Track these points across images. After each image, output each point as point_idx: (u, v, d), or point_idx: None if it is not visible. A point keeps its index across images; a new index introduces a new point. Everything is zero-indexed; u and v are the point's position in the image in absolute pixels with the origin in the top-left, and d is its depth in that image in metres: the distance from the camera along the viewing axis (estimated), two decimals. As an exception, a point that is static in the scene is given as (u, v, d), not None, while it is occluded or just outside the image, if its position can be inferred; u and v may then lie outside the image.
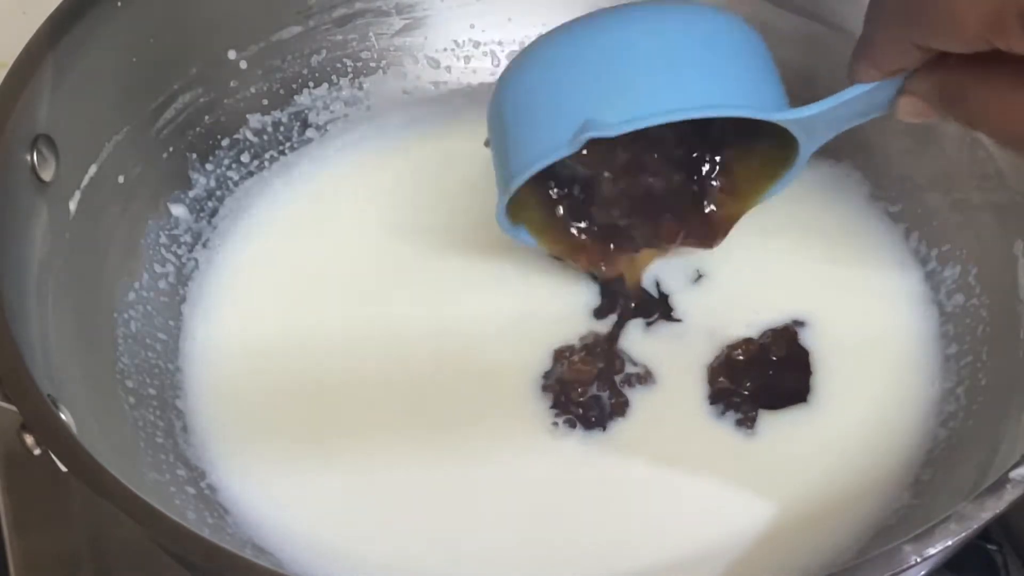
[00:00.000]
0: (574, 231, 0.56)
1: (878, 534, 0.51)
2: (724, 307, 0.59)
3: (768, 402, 0.56)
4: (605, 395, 0.56)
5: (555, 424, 0.55)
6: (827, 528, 0.52)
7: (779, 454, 0.54)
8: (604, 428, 0.55)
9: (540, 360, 0.57)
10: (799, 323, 0.58)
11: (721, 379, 0.56)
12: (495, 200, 0.64)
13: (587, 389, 0.56)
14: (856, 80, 0.46)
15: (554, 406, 0.56)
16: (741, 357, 0.57)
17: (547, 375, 0.57)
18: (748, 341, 0.57)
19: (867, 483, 0.53)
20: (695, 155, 0.55)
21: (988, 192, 0.59)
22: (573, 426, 0.55)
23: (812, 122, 0.49)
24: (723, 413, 0.55)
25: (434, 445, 0.55)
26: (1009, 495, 0.41)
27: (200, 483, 0.54)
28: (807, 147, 0.52)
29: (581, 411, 0.55)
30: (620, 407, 0.55)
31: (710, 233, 0.56)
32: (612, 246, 0.57)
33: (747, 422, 0.55)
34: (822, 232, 0.63)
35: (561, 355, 0.57)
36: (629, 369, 0.57)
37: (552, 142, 0.50)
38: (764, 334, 0.58)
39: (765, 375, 0.57)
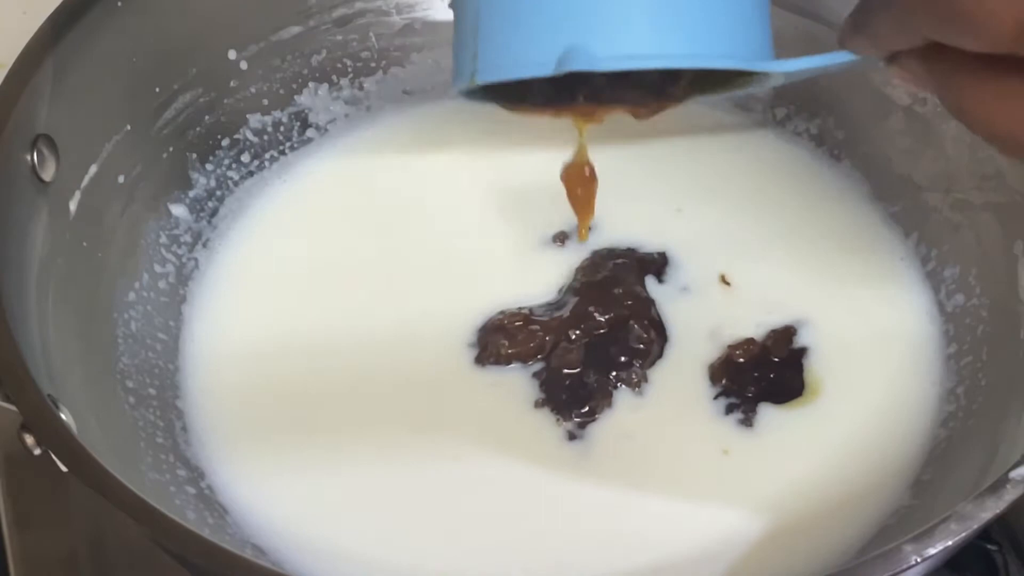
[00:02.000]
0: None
1: (878, 534, 0.51)
2: (725, 307, 0.59)
3: (768, 400, 0.56)
4: (592, 381, 0.56)
5: (536, 404, 0.56)
6: (827, 528, 0.51)
7: (779, 454, 0.54)
8: (581, 417, 0.55)
9: (536, 361, 0.57)
10: (800, 323, 0.58)
11: (723, 379, 0.56)
12: (496, 200, 0.65)
13: (577, 375, 0.56)
14: (847, 48, 0.42)
15: (546, 399, 0.56)
16: (742, 358, 0.57)
17: (540, 371, 0.57)
18: (749, 341, 0.57)
19: (867, 483, 0.53)
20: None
21: (988, 192, 0.59)
22: (554, 411, 0.55)
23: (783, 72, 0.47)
24: (724, 413, 0.55)
25: (434, 446, 0.55)
26: (1009, 495, 0.41)
27: (200, 483, 0.54)
28: (778, 81, 0.49)
29: (564, 397, 0.56)
30: (604, 397, 0.56)
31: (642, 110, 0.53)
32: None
33: (748, 422, 0.55)
34: (822, 232, 0.63)
35: (556, 344, 0.57)
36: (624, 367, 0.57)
37: (530, 57, 0.46)
38: (766, 335, 0.58)
39: (766, 376, 0.56)
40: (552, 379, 0.56)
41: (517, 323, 0.58)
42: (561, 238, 0.63)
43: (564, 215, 0.63)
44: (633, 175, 0.64)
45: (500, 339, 0.57)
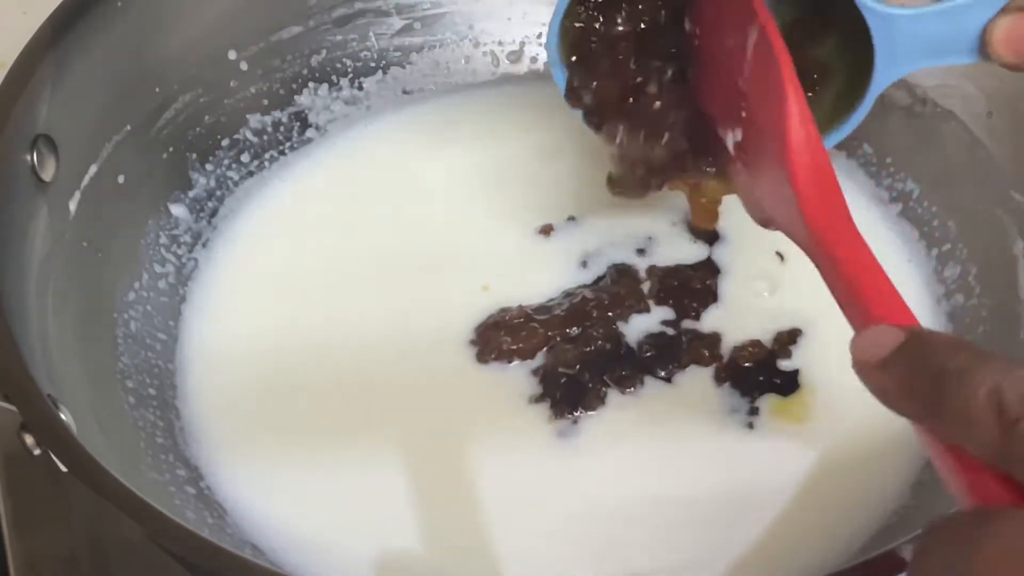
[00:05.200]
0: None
1: (878, 534, 0.51)
2: (727, 309, 0.59)
3: (772, 391, 0.56)
4: (586, 380, 0.56)
5: (530, 400, 0.56)
6: (828, 528, 0.51)
7: (780, 454, 0.54)
8: (573, 414, 0.55)
9: (536, 358, 0.57)
10: (805, 325, 0.58)
11: (727, 381, 0.56)
12: (496, 200, 0.65)
13: (573, 374, 0.56)
14: None
15: (541, 395, 0.56)
16: (747, 361, 0.57)
17: (538, 368, 0.57)
18: (755, 344, 0.57)
19: (867, 483, 0.53)
20: None
21: (988, 192, 0.59)
22: (549, 408, 0.55)
23: (896, 36, 0.47)
24: (728, 413, 0.55)
25: (433, 446, 0.55)
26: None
27: (200, 483, 0.54)
28: (883, 75, 0.49)
29: (559, 395, 0.56)
30: (597, 397, 0.56)
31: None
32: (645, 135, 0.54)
33: (749, 424, 0.55)
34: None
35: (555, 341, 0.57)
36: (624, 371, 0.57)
37: None
38: (772, 338, 0.58)
39: (770, 380, 0.56)
40: (549, 377, 0.56)
41: (518, 320, 0.58)
42: (546, 230, 0.63)
43: (560, 210, 0.64)
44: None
45: (501, 335, 0.57)
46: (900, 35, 0.47)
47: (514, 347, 0.57)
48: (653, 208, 0.63)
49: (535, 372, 0.57)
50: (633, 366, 0.57)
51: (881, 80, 0.49)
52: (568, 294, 0.59)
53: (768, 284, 0.60)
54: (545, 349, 0.57)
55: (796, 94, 0.44)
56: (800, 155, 0.43)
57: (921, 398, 0.33)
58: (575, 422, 0.55)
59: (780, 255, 0.61)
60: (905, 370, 0.34)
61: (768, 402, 0.56)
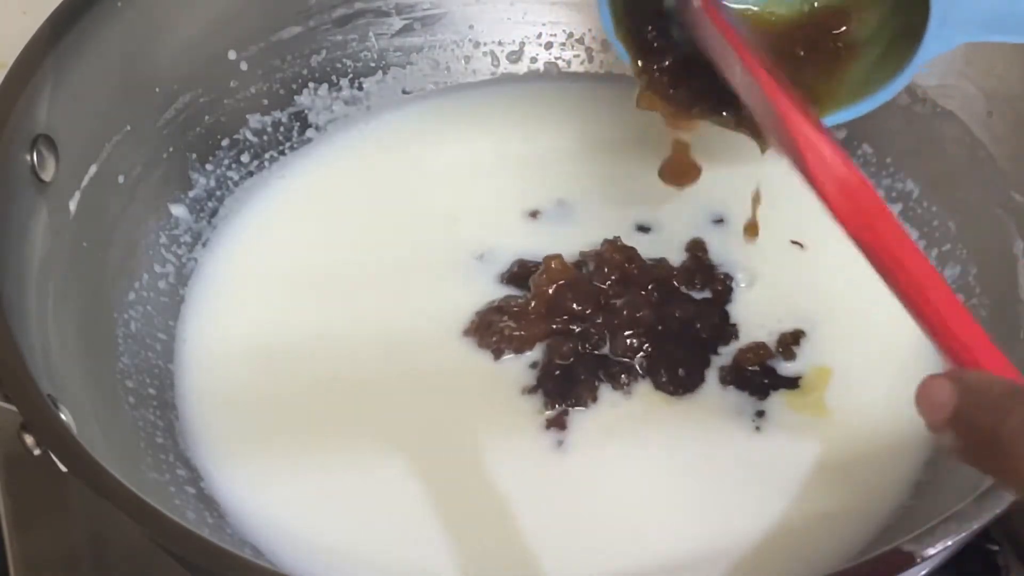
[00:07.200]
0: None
1: (878, 534, 0.51)
2: (732, 312, 0.59)
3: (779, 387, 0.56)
4: (580, 374, 0.56)
5: (523, 391, 0.56)
6: (828, 528, 0.52)
7: (782, 455, 0.54)
8: (564, 407, 0.55)
9: (535, 356, 0.57)
10: (808, 326, 0.58)
11: (730, 381, 0.56)
12: (498, 201, 0.65)
13: (568, 367, 0.56)
14: None
15: (535, 387, 0.56)
16: (752, 364, 0.57)
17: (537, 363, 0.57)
18: (760, 346, 0.57)
19: (868, 483, 0.53)
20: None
21: (988, 192, 0.59)
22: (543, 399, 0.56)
23: (954, 7, 0.47)
24: (732, 414, 0.55)
25: (431, 446, 0.55)
26: (1009, 495, 0.41)
27: (200, 483, 0.54)
28: (933, 44, 0.48)
29: (550, 386, 0.56)
30: (588, 391, 0.56)
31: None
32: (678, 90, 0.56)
33: (754, 424, 0.55)
34: (827, 235, 0.63)
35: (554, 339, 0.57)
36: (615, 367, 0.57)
37: None
38: (777, 340, 0.58)
39: (775, 383, 0.56)
40: (545, 370, 0.56)
41: (516, 308, 0.58)
42: (533, 215, 0.64)
43: (550, 197, 0.64)
44: (642, 179, 0.64)
45: (505, 319, 0.57)
46: (959, 6, 0.47)
47: (516, 333, 0.57)
48: (646, 200, 0.64)
49: (534, 366, 0.57)
50: (626, 366, 0.57)
51: (930, 49, 0.49)
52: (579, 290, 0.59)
53: (746, 276, 0.60)
54: (545, 342, 0.57)
55: (798, 119, 0.44)
56: (821, 174, 0.44)
57: (990, 461, 0.32)
58: (565, 413, 0.55)
59: (799, 244, 0.61)
60: (967, 433, 0.33)
61: (784, 396, 0.56)
